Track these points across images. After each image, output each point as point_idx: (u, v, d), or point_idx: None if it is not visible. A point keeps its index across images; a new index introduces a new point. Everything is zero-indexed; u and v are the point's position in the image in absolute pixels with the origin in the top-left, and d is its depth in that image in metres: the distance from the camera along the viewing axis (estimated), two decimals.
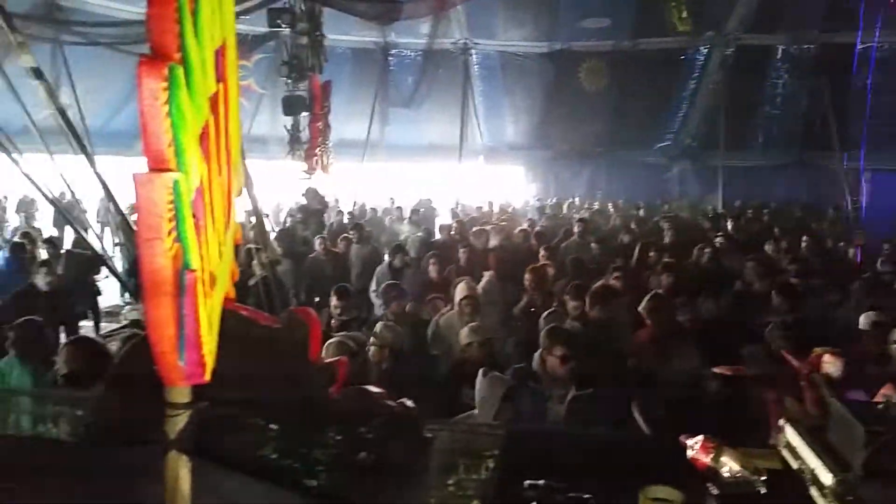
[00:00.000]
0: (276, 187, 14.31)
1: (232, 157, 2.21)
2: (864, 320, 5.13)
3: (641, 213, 15.57)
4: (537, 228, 11.33)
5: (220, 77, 2.04)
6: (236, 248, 2.24)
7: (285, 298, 6.55)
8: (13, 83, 10.23)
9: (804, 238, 9.44)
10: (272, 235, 9.29)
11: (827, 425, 2.09)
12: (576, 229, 10.20)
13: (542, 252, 7.50)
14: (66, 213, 10.15)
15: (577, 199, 18.57)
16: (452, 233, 10.86)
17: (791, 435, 2.13)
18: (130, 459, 1.95)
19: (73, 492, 2.07)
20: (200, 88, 1.77)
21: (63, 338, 7.17)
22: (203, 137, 1.82)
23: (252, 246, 5.63)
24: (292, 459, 1.91)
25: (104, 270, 8.94)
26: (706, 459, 1.95)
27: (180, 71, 1.63)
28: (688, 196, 19.57)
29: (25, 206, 15.56)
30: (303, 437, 1.93)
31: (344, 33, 18.29)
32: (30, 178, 9.27)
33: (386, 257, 8.70)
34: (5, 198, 15.23)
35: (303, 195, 13.07)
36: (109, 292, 9.36)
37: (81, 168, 10.36)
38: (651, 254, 8.12)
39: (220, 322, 1.88)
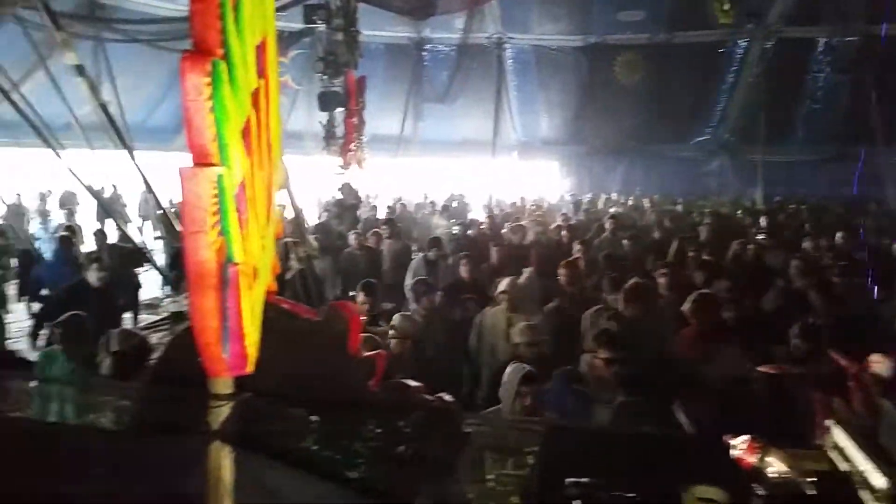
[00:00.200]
0: (312, 183, 14.43)
1: (273, 151, 2.22)
2: None
3: (679, 208, 15.34)
4: (571, 222, 11.24)
5: (262, 72, 2.05)
6: (276, 242, 2.26)
7: (321, 292, 6.59)
8: (56, 81, 10.51)
9: (840, 234, 9.22)
10: (309, 230, 9.37)
11: (877, 427, 2.03)
12: (607, 225, 10.09)
13: (576, 246, 7.42)
14: (108, 207, 10.39)
15: (614, 195, 18.37)
16: (482, 228, 10.83)
17: (839, 436, 2.07)
18: (174, 449, 1.98)
19: (116, 481, 2.11)
20: (243, 83, 1.78)
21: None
22: (245, 132, 1.83)
23: (289, 240, 5.68)
24: (332, 451, 1.92)
25: (146, 263, 9.13)
26: (752, 460, 1.91)
27: (223, 66, 1.65)
28: (727, 191, 19.24)
29: (67, 201, 15.91)
30: (343, 430, 1.94)
31: (378, 29, 18.36)
32: (73, 173, 9.52)
33: (419, 252, 8.71)
34: (49, 192, 15.59)
35: (338, 190, 13.16)
36: (150, 285, 9.53)
37: (122, 163, 10.62)
38: (690, 251, 7.98)
39: (262, 315, 1.90)
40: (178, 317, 5.62)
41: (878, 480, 1.83)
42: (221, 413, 1.85)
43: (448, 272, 7.58)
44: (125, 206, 15.69)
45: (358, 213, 12.76)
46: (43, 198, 15.30)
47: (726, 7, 17.52)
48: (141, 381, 2.48)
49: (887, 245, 9.68)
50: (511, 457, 1.85)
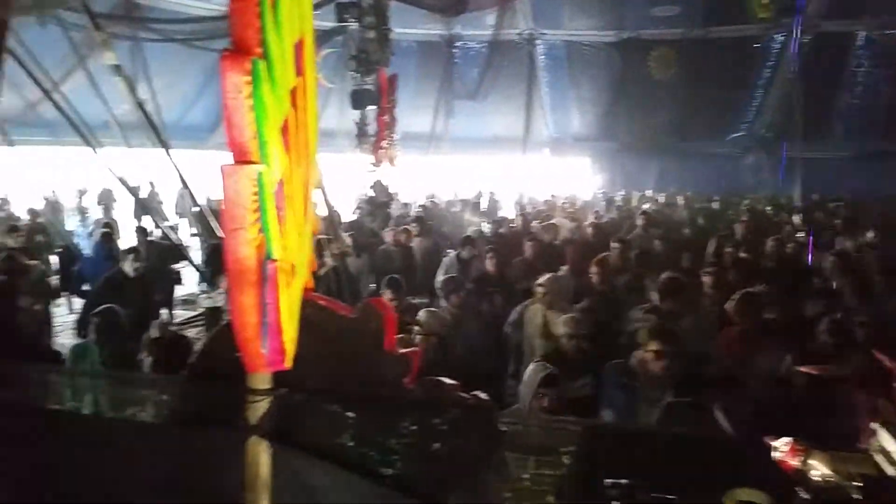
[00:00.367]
0: (345, 180, 14.53)
1: (310, 149, 2.24)
2: None
3: (716, 206, 15.11)
4: (602, 220, 11.14)
5: (300, 70, 2.06)
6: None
7: (354, 289, 6.64)
8: (95, 80, 10.74)
9: (870, 231, 9.00)
10: (342, 228, 9.43)
11: None
12: (639, 222, 9.98)
13: (613, 244, 7.35)
14: (146, 204, 10.59)
15: (648, 192, 18.15)
16: (513, 226, 10.79)
17: (886, 439, 2.02)
18: (212, 443, 2.01)
19: (155, 474, 2.14)
20: (281, 82, 1.80)
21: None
22: (284, 130, 1.84)
23: (323, 237, 5.72)
24: (368, 448, 1.92)
25: (183, 260, 9.29)
26: (795, 462, 1.87)
27: (263, 65, 1.66)
28: (763, 188, 18.89)
29: (105, 198, 16.23)
30: (378, 426, 1.95)
31: (410, 26, 18.38)
32: (111, 171, 9.73)
33: (450, 249, 8.70)
34: (85, 189, 15.90)
35: (370, 188, 13.22)
36: (186, 281, 9.68)
37: (159, 161, 10.82)
38: (727, 249, 7.86)
39: (299, 311, 1.91)
40: (212, 312, 5.69)
41: None
42: (259, 408, 1.87)
43: (480, 270, 7.57)
44: (162, 203, 15.95)
45: (389, 210, 12.80)
46: (81, 195, 15.62)
47: (765, 1, 17.19)
48: (181, 376, 2.51)
49: None
50: (547, 456, 1.84)
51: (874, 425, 2.12)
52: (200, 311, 8.07)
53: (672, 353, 3.70)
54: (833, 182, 17.68)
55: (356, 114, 13.17)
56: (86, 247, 10.03)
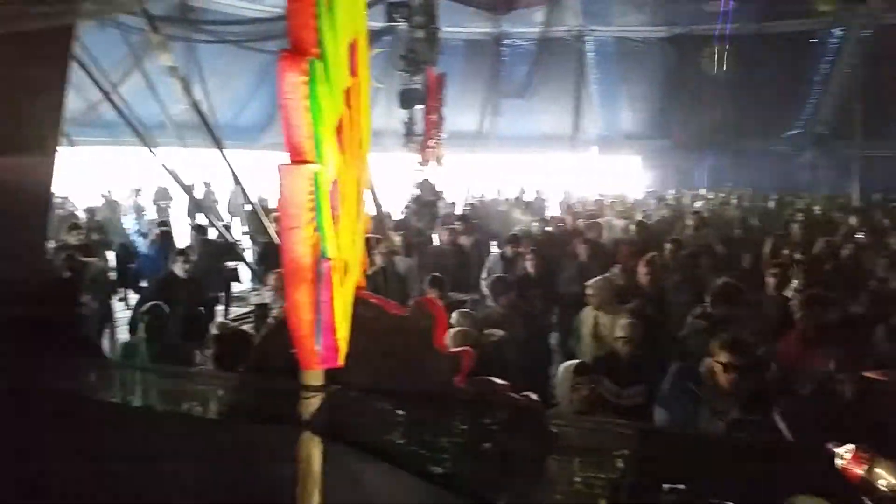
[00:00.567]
0: (392, 180, 14.63)
1: (362, 149, 2.26)
2: None
3: (771, 205, 14.71)
4: (652, 220, 10.96)
5: (353, 71, 2.08)
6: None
7: (402, 288, 6.67)
8: (151, 81, 11.03)
9: None
10: (390, 226, 9.49)
11: None
12: (691, 222, 9.78)
13: (667, 245, 7.22)
14: (201, 203, 10.83)
15: (701, 191, 17.78)
16: (561, 225, 10.69)
17: None
18: (265, 439, 2.04)
19: (209, 467, 2.19)
20: (337, 82, 1.82)
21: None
22: (338, 130, 1.87)
23: (371, 236, 5.76)
24: (418, 445, 1.93)
25: (237, 258, 9.48)
26: (859, 471, 1.80)
27: (320, 65, 1.68)
28: (820, 188, 18.31)
29: (161, 197, 16.65)
30: (428, 425, 1.95)
31: (458, 25, 18.40)
32: (168, 170, 9.99)
33: (495, 248, 8.66)
34: (140, 189, 16.32)
35: (417, 187, 13.26)
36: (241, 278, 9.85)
37: (212, 160, 11.06)
38: (784, 250, 7.63)
39: (352, 309, 1.94)
40: (260, 309, 5.79)
41: None
42: (312, 404, 1.90)
43: (523, 270, 7.52)
44: (216, 202, 16.29)
45: (435, 209, 12.82)
46: (136, 193, 16.06)
47: None
48: (237, 372, 2.56)
49: None
50: (599, 458, 1.82)
51: None
52: (251, 308, 8.23)
53: (743, 368, 3.53)
54: (894, 181, 17.04)
55: (403, 113, 13.21)
56: (141, 245, 10.30)
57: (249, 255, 10.54)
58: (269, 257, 8.38)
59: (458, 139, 18.04)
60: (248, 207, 11.79)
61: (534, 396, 2.21)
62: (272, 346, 2.05)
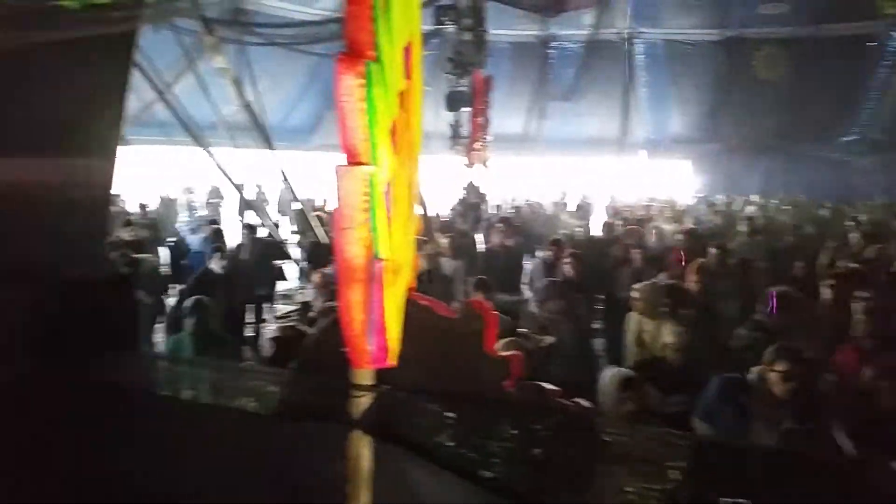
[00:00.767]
0: (439, 182, 14.68)
1: (414, 151, 2.27)
2: None
3: (825, 212, 14.27)
4: (702, 226, 10.75)
5: (408, 74, 2.09)
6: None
7: (448, 290, 6.67)
8: (204, 82, 11.26)
9: None
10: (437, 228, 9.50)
11: None
12: (742, 228, 9.55)
13: (712, 251, 7.06)
14: (251, 202, 11.01)
15: (753, 196, 17.34)
16: (613, 231, 10.54)
17: None
18: (316, 436, 2.06)
19: (259, 462, 2.22)
20: (392, 85, 1.83)
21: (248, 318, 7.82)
22: (392, 132, 1.88)
23: (419, 238, 5.76)
24: (467, 449, 1.93)
25: (286, 257, 9.63)
26: None
27: (376, 68, 1.69)
28: (877, 195, 17.69)
29: (214, 195, 17.01)
30: (478, 428, 1.95)
31: (505, 28, 18.36)
32: (221, 170, 10.19)
33: (538, 252, 8.59)
34: (192, 188, 16.69)
35: (462, 189, 13.27)
36: (288, 276, 9.98)
37: (263, 160, 11.24)
38: (840, 259, 7.39)
39: (403, 310, 1.94)
40: (306, 307, 5.85)
41: None
42: (362, 403, 1.91)
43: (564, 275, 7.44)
44: (266, 202, 16.57)
45: (480, 211, 12.80)
46: (188, 192, 16.44)
47: None
48: (289, 369, 2.59)
49: None
50: (652, 468, 1.78)
51: None
52: (296, 306, 8.34)
53: (801, 376, 3.43)
54: None
55: (450, 115, 13.23)
56: (192, 242, 10.52)
57: (297, 254, 10.67)
58: (316, 256, 8.47)
59: (504, 142, 17.99)
60: (297, 207, 11.95)
61: (585, 403, 2.18)
62: (324, 344, 2.07)
